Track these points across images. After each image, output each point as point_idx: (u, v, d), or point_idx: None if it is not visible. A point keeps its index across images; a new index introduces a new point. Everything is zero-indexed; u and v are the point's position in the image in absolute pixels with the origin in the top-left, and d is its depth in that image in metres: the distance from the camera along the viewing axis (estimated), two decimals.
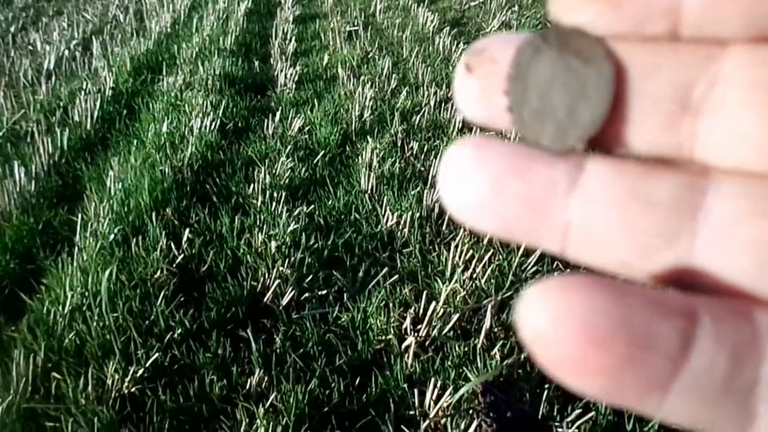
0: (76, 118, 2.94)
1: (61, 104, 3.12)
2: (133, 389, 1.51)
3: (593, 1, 0.14)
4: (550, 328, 0.13)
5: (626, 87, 0.15)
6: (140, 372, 1.53)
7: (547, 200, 0.15)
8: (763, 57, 0.13)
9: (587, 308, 0.13)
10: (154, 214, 2.10)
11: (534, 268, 1.88)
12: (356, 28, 4.12)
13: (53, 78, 3.52)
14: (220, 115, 2.83)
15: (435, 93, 3.04)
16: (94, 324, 1.65)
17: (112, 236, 1.98)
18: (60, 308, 1.71)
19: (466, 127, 2.74)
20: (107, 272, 1.72)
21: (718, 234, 0.14)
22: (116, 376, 1.51)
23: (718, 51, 0.14)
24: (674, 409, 0.14)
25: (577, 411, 1.43)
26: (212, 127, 2.72)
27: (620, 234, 0.15)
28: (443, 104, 2.97)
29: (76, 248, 2.01)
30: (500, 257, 1.91)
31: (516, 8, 4.50)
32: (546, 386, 1.48)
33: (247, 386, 1.52)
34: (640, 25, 0.14)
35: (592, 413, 1.42)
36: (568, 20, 0.15)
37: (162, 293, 1.77)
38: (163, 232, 2.02)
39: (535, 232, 0.16)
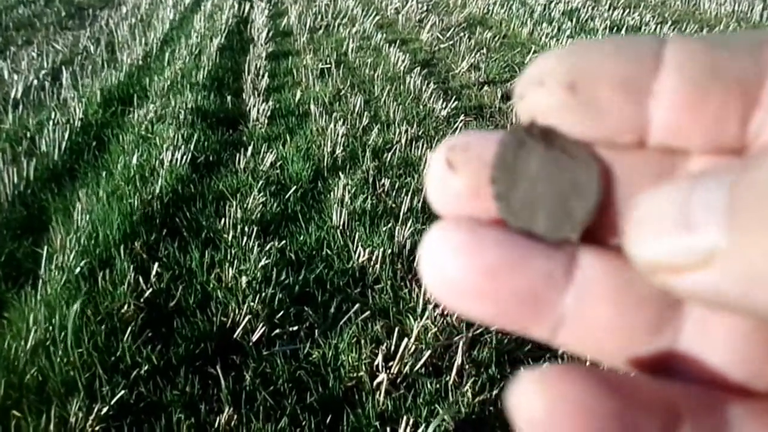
0: (44, 148, 2.90)
1: (28, 134, 3.07)
2: (97, 428, 1.46)
3: (573, 112, 0.16)
4: (546, 415, 0.14)
5: (612, 184, 0.16)
6: (105, 410, 1.49)
7: (544, 294, 0.15)
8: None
9: (583, 400, 0.14)
10: (122, 248, 2.07)
11: None
12: (329, 65, 4.18)
13: (20, 107, 3.47)
14: (192, 148, 2.83)
15: (406, 131, 3.08)
16: (58, 360, 1.61)
17: (78, 269, 1.94)
18: (22, 343, 1.66)
19: None
20: (74, 306, 1.68)
21: (698, 327, 0.15)
22: (80, 414, 1.46)
23: (681, 161, 0.16)
24: None
25: None
26: (183, 160, 2.71)
27: (611, 327, 0.16)
28: (414, 142, 3.02)
29: (40, 281, 1.96)
30: None
31: (484, 51, 4.63)
32: None
33: (216, 424, 1.49)
34: (613, 135, 0.16)
35: None
36: (546, 123, 0.16)
37: (129, 328, 1.73)
38: (131, 266, 1.99)
39: (527, 323, 0.16)
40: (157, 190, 2.45)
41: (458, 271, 0.15)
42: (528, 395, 0.14)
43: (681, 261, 0.13)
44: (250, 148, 2.88)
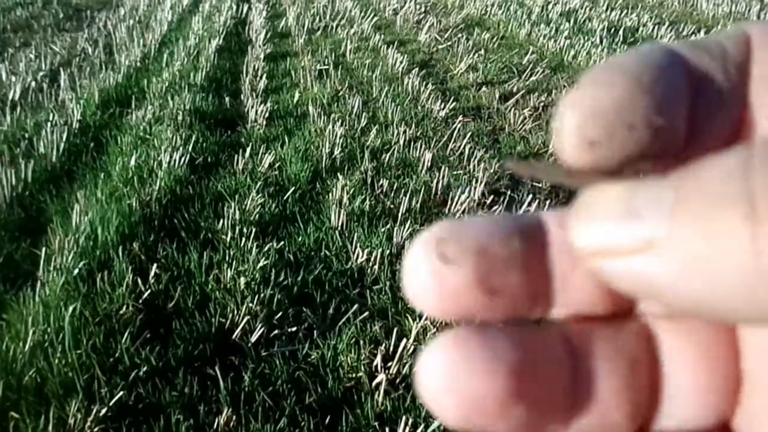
0: (42, 150, 2.89)
1: (26, 136, 3.07)
2: (96, 429, 1.46)
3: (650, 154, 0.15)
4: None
5: None
6: (104, 411, 1.49)
7: (579, 378, 0.15)
8: None
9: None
10: (120, 249, 2.07)
11: None
12: (327, 67, 4.18)
13: (18, 109, 3.47)
14: (190, 149, 2.82)
15: (404, 132, 3.09)
16: (57, 361, 1.61)
17: (76, 271, 1.94)
18: (21, 344, 1.65)
19: (435, 166, 2.79)
20: (71, 307, 1.68)
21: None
22: (79, 416, 1.46)
23: None
24: None
25: None
26: (181, 161, 2.71)
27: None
28: (412, 143, 3.02)
29: (39, 283, 1.96)
30: None
31: (482, 52, 4.63)
32: None
33: (215, 425, 1.49)
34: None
35: None
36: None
37: (127, 330, 1.73)
38: (130, 267, 1.99)
39: (566, 413, 0.15)
40: (156, 192, 2.45)
41: (485, 388, 0.14)
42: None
43: (619, 245, 0.13)
44: (248, 150, 2.88)
